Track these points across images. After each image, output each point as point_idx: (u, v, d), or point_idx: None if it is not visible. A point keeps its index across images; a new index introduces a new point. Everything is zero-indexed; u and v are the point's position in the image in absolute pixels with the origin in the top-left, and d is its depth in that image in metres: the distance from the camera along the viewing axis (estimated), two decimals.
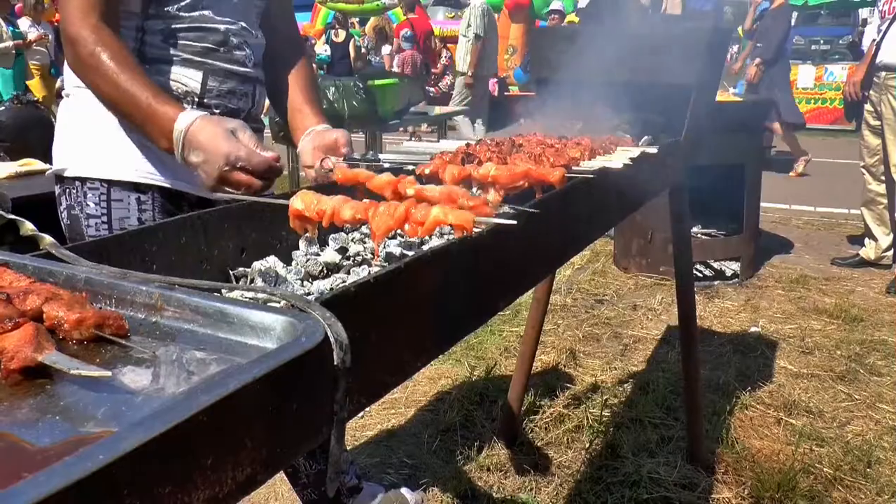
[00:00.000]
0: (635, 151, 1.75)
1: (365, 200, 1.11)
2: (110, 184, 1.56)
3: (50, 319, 0.65)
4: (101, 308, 0.70)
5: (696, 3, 10.58)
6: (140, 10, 1.52)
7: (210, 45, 1.58)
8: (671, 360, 3.63)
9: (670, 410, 3.14)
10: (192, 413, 0.48)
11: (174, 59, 1.55)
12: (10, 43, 9.58)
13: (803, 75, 13.55)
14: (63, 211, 1.61)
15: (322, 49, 14.43)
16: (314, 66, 14.01)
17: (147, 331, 0.68)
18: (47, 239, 0.96)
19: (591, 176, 1.31)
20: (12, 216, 1.06)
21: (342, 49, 14.08)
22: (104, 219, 1.56)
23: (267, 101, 1.81)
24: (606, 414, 3.08)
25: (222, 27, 1.59)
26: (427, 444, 2.85)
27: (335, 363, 0.64)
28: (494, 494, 2.55)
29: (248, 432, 0.59)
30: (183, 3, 1.54)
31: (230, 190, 1.32)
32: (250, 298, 0.74)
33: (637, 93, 2.27)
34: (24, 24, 10.32)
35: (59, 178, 1.61)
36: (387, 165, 1.53)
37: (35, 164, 3.16)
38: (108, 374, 0.57)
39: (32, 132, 4.93)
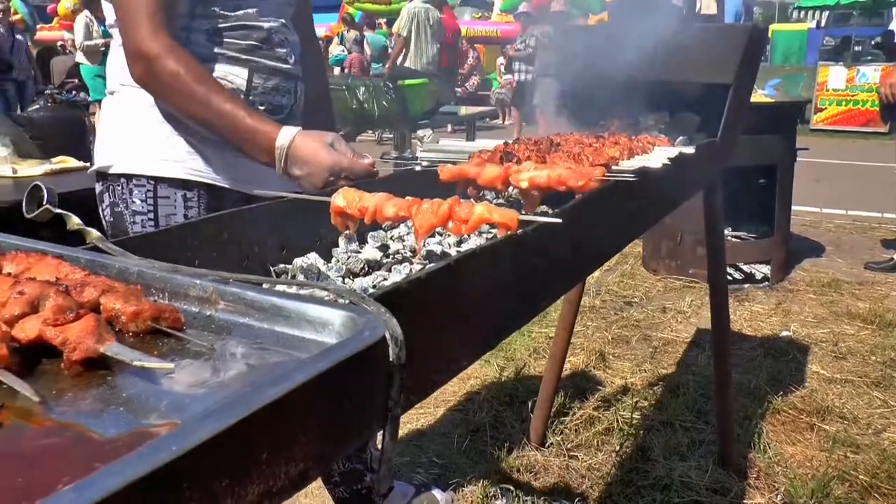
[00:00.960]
0: (673, 151, 1.74)
1: (407, 198, 1.11)
2: (157, 181, 1.57)
3: (107, 311, 0.66)
4: (155, 301, 0.70)
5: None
6: (186, 11, 1.53)
7: (254, 43, 1.59)
8: (701, 363, 3.60)
9: (701, 414, 3.11)
10: (261, 406, 0.47)
11: (219, 57, 1.56)
12: (100, 41, 9.73)
13: (834, 76, 13.37)
14: (106, 208, 1.62)
15: (339, 49, 14.52)
16: (331, 67, 14.13)
17: (202, 324, 0.68)
18: (94, 233, 0.97)
19: (635, 178, 1.30)
20: (59, 210, 1.07)
21: (356, 48, 14.19)
22: (150, 216, 1.57)
23: None
24: (636, 416, 3.06)
25: (265, 25, 1.60)
26: (457, 444, 2.85)
27: (390, 359, 0.63)
28: (524, 496, 2.54)
29: (303, 427, 0.59)
30: (228, 3, 1.55)
31: None
32: (306, 294, 0.74)
33: (671, 93, 2.25)
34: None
35: (102, 175, 1.62)
36: (425, 163, 1.53)
37: (69, 162, 3.21)
38: (171, 366, 0.57)
39: (66, 130, 5.00)
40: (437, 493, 2.39)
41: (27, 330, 0.60)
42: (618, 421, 3.01)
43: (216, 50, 1.56)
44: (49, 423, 0.50)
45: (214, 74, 1.56)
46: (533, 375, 3.41)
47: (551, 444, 2.88)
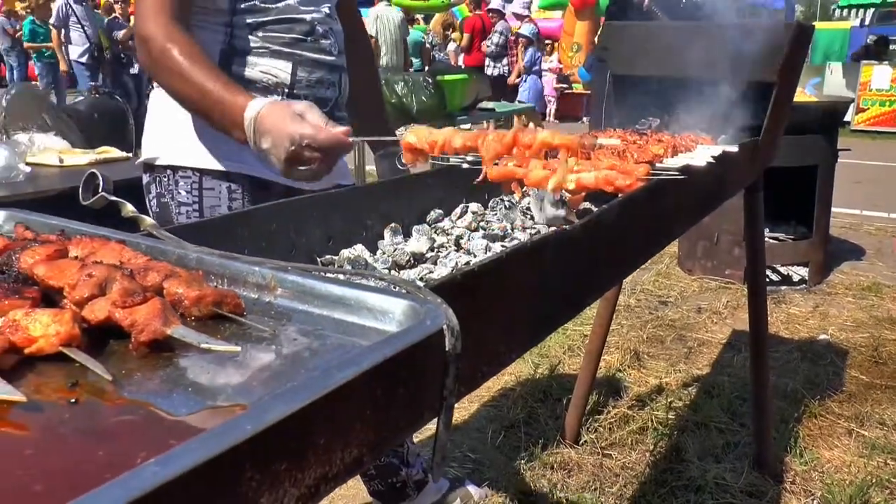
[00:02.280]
0: (716, 150, 1.72)
1: (474, 129, 1.17)
2: (202, 172, 1.59)
3: (170, 296, 0.67)
4: (216, 287, 0.72)
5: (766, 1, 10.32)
6: (227, 6, 1.54)
7: (298, 36, 1.59)
8: (736, 365, 3.57)
9: (736, 415, 3.08)
10: (330, 390, 0.48)
11: (263, 51, 1.57)
12: None
13: (878, 76, 13.07)
14: (152, 199, 1.65)
15: None
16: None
17: (261, 310, 0.69)
18: (148, 220, 0.99)
19: (683, 177, 1.29)
20: (114, 198, 1.10)
21: None
22: (195, 206, 1.59)
23: None
24: (671, 416, 3.04)
25: (308, 17, 1.61)
26: (491, 440, 2.85)
27: (447, 349, 0.64)
28: (558, 493, 2.54)
29: (360, 414, 0.60)
30: None
31: (303, 169, 1.29)
32: (366, 282, 0.75)
33: (713, 91, 2.23)
34: None
35: (149, 166, 1.65)
36: (470, 158, 1.53)
37: (112, 152, 3.26)
38: (238, 349, 0.58)
39: (107, 121, 5.08)
40: (471, 488, 2.39)
41: (96, 311, 0.62)
42: (652, 420, 2.99)
43: (260, 44, 1.56)
44: (122, 402, 0.52)
45: (259, 69, 1.57)
46: (567, 373, 3.40)
47: (585, 441, 2.88)
